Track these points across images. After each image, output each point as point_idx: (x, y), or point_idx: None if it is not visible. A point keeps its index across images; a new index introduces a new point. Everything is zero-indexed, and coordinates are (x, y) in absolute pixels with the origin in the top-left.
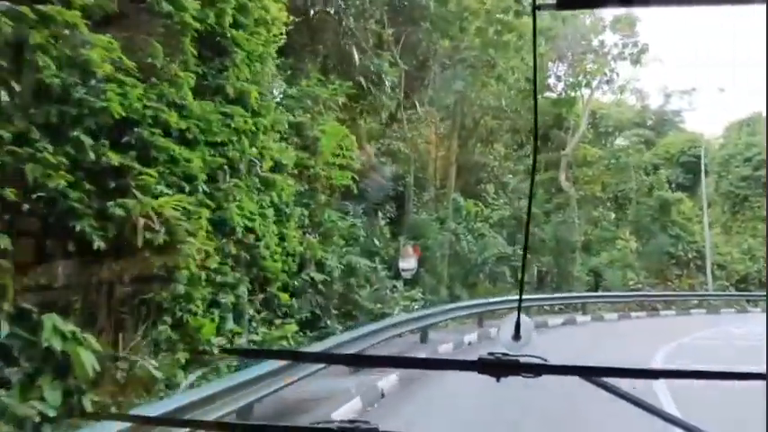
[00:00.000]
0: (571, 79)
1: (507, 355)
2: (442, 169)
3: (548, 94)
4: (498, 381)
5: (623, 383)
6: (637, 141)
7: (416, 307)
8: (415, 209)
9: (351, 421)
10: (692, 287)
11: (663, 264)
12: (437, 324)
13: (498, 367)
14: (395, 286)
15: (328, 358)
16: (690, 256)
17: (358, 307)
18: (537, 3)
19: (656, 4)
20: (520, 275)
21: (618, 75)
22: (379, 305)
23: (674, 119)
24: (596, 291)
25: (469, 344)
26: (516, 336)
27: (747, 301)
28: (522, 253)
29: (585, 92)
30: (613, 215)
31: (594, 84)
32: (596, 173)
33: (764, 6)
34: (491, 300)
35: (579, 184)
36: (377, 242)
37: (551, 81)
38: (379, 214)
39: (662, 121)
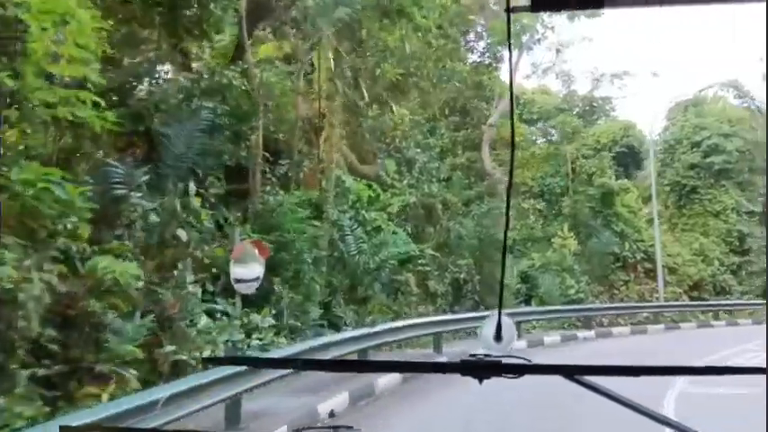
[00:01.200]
0: (497, 37)
1: (489, 356)
2: (318, 134)
3: (470, 60)
4: (481, 383)
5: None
6: (562, 130)
7: (259, 343)
8: (269, 187)
9: (334, 427)
10: (642, 295)
11: (607, 267)
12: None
13: (480, 369)
14: (225, 312)
15: (302, 364)
16: (638, 257)
17: (109, 356)
18: (510, 5)
19: (633, 4)
20: (500, 274)
21: (553, 30)
22: (171, 347)
23: (605, 106)
24: (529, 303)
25: None
26: (497, 337)
27: (703, 312)
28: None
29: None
30: (546, 207)
31: (524, 39)
32: (526, 157)
33: (764, 4)
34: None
35: (506, 168)
36: (183, 235)
37: (471, 37)
38: (191, 188)
39: (591, 108)
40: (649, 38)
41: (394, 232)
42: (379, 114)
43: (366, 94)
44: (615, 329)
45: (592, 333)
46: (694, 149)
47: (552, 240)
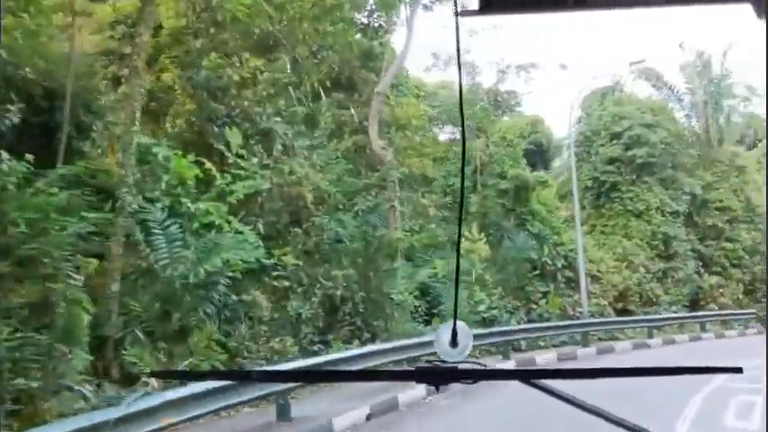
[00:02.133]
0: None
1: (445, 362)
2: (108, 86)
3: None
4: (438, 390)
5: None
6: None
7: None
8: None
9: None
10: (564, 310)
11: (523, 277)
12: None
13: (436, 375)
14: None
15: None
16: (558, 264)
17: None
18: (458, 9)
19: (584, 7)
20: (455, 274)
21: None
22: None
23: (510, 100)
24: (430, 323)
25: None
26: (453, 342)
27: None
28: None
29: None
30: (451, 203)
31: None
32: (425, 142)
33: (749, 5)
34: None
35: (400, 154)
36: None
37: None
38: None
39: (496, 102)
40: (557, 29)
41: (238, 232)
42: (219, 66)
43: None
44: (540, 356)
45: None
46: (614, 141)
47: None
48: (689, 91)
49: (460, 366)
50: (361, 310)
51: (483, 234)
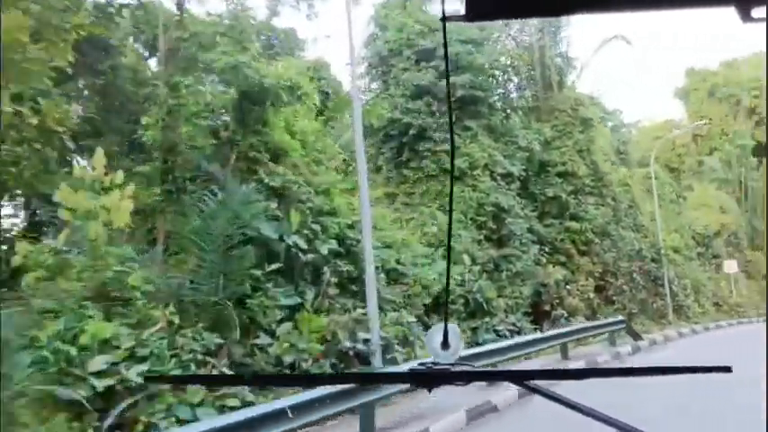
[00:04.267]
0: None
1: (438, 364)
2: None
3: None
4: (430, 392)
5: None
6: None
7: None
8: None
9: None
10: (325, 348)
11: (239, 275)
12: None
13: (429, 377)
14: None
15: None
16: (323, 250)
17: None
18: (445, 14)
19: (565, 12)
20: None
21: None
22: None
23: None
24: None
25: None
26: (445, 344)
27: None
28: None
29: None
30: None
31: None
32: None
33: (733, 8)
34: None
35: None
36: None
37: None
38: None
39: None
40: None
41: None
42: None
43: None
44: None
45: None
46: (422, 64)
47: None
48: None
49: (452, 369)
50: None
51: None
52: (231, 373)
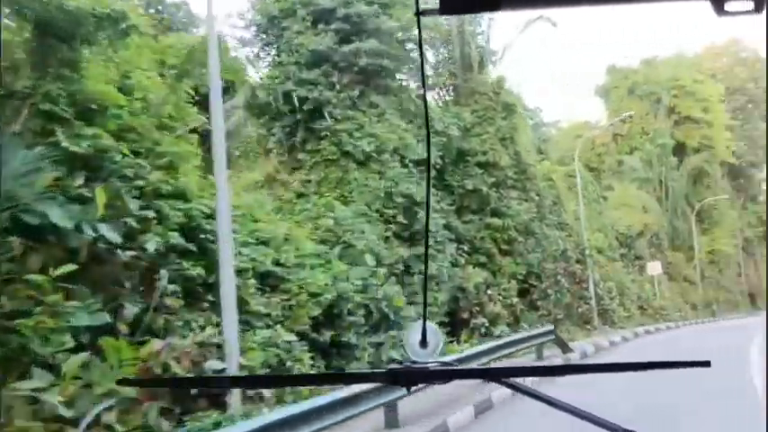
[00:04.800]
0: None
1: (416, 362)
2: None
3: None
4: (409, 391)
5: None
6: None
7: None
8: None
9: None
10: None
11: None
12: None
13: (408, 376)
14: None
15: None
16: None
17: None
18: (420, 8)
19: (540, 5)
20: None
21: None
22: None
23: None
24: None
25: None
26: (423, 343)
27: None
28: None
29: None
30: None
31: None
32: None
33: (709, 3)
34: None
35: None
36: None
37: None
38: None
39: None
40: None
41: None
42: None
43: None
44: None
45: None
46: (320, 27)
47: None
48: None
49: (431, 367)
50: None
51: None
52: None
